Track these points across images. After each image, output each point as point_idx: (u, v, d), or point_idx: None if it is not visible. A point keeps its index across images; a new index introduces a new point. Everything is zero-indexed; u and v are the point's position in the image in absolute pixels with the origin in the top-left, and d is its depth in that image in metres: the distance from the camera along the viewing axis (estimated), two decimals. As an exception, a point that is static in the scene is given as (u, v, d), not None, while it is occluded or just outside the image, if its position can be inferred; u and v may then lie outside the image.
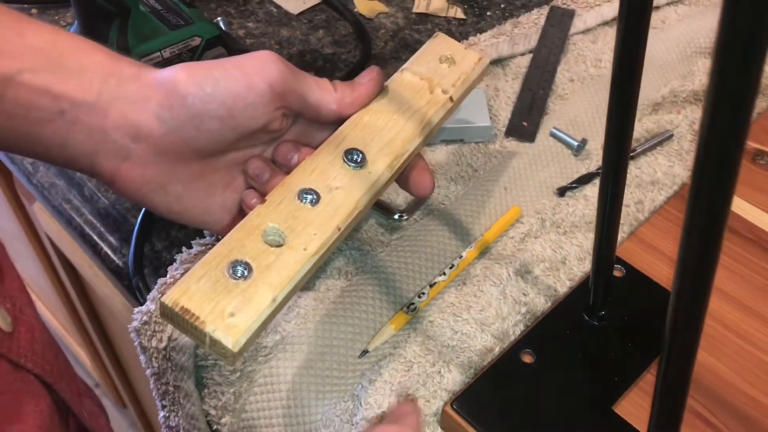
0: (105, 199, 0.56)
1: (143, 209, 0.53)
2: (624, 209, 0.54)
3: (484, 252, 0.51)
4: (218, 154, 0.43)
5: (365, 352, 0.46)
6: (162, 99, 0.39)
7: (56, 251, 0.90)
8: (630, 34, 0.33)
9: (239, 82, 0.40)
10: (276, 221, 0.38)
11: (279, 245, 0.37)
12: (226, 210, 0.45)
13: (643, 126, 0.60)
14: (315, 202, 0.40)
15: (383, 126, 0.44)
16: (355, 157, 0.42)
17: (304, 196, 0.40)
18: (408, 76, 0.48)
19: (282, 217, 0.39)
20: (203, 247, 0.50)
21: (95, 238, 0.55)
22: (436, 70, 0.48)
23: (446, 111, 0.47)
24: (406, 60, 0.67)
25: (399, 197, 0.54)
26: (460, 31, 0.69)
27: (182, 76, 0.40)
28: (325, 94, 0.43)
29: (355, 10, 0.70)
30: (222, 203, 0.44)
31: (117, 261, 0.53)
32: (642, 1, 0.31)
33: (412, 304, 0.48)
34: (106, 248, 0.54)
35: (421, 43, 0.68)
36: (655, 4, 0.70)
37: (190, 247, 0.51)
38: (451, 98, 0.47)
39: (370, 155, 0.43)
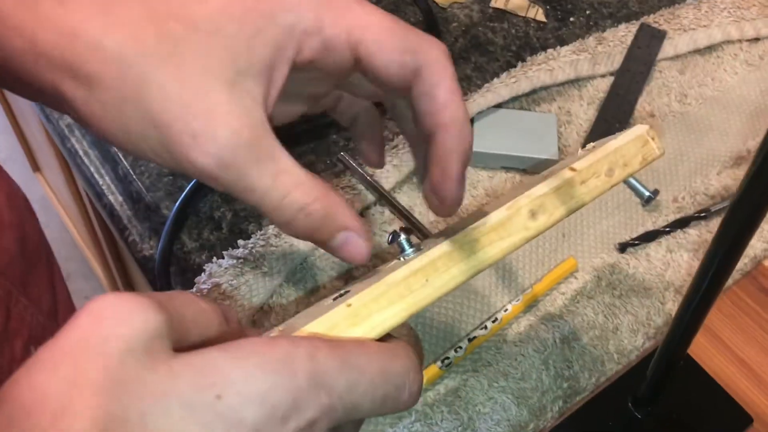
0: (139, 182, 0.52)
1: (177, 202, 0.50)
2: (689, 278, 0.50)
3: (531, 306, 0.48)
4: None
5: (391, 404, 0.43)
6: None
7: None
8: None
9: None
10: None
11: None
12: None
13: (721, 181, 0.55)
14: None
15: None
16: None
17: None
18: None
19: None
20: (235, 260, 0.47)
21: (125, 221, 0.52)
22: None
23: (563, 180, 0.33)
24: (474, 62, 0.62)
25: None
26: (538, 36, 0.63)
27: None
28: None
29: (429, -6, 0.65)
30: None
31: (144, 252, 0.51)
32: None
33: (447, 358, 0.45)
34: (134, 236, 0.51)
35: (493, 43, 0.62)
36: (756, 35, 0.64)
37: (220, 254, 0.48)
38: (572, 168, 0.34)
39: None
